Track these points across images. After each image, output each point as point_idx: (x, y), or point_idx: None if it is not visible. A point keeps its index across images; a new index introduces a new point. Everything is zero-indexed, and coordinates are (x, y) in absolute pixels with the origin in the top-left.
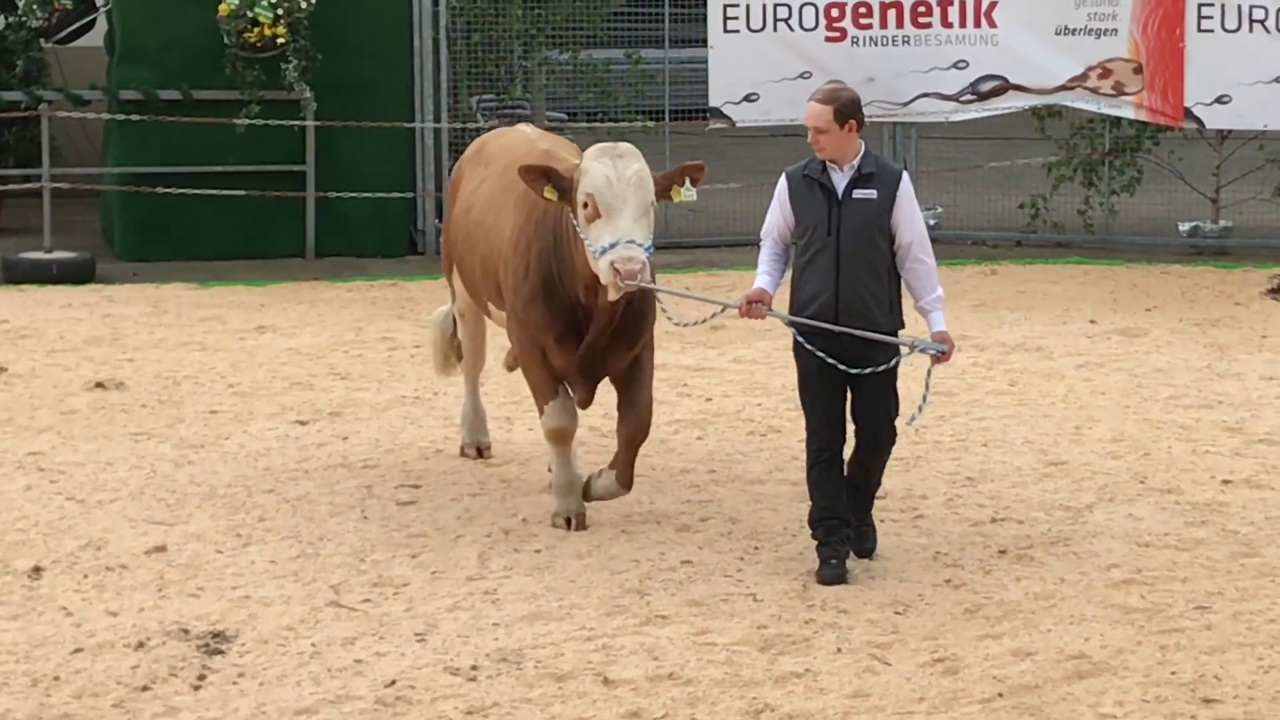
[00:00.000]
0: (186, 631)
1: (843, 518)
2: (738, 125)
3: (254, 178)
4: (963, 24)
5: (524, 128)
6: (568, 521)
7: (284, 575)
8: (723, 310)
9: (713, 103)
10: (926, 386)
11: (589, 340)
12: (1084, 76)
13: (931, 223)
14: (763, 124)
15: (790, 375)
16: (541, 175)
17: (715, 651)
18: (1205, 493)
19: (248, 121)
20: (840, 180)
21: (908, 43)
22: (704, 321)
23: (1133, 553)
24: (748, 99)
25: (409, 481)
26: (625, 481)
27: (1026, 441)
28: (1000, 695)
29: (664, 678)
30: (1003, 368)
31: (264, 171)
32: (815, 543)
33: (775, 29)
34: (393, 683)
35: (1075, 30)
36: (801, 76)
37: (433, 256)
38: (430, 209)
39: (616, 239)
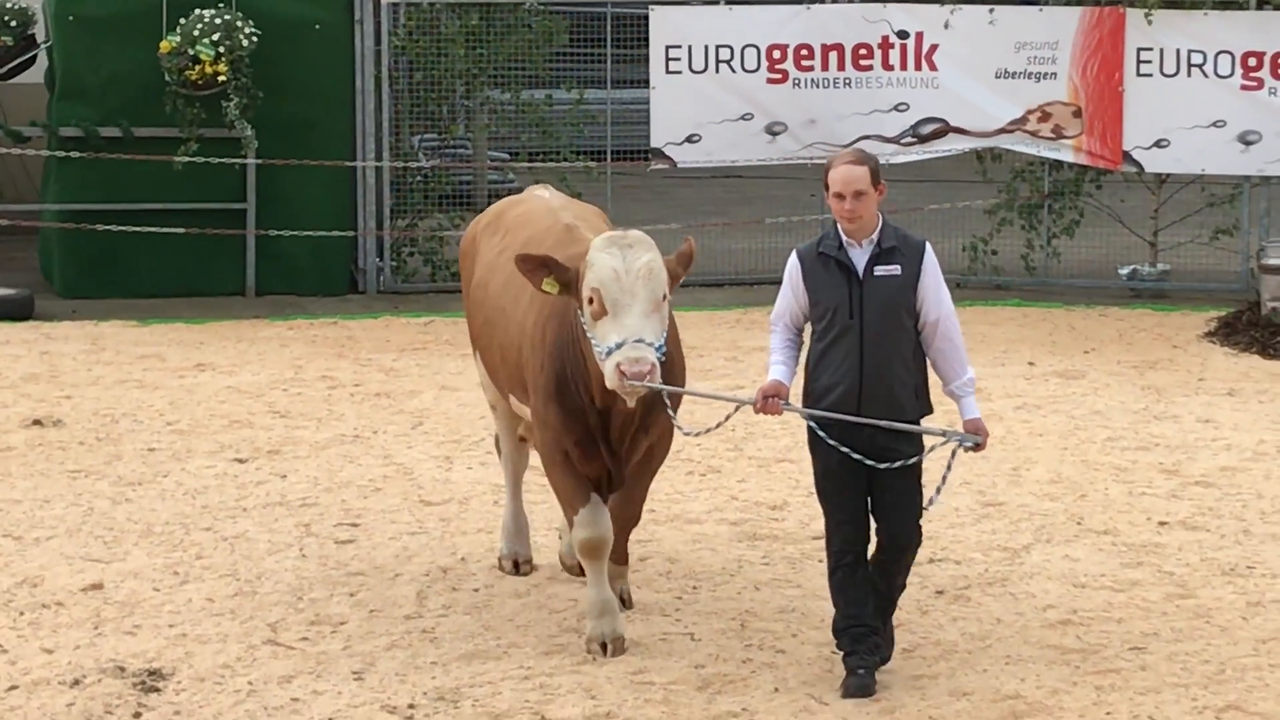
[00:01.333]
0: (123, 669)
1: (869, 625)
2: (679, 166)
3: (194, 215)
4: (903, 67)
5: (543, 192)
6: (603, 647)
7: (221, 613)
8: (737, 410)
9: (654, 143)
10: (948, 468)
11: (613, 447)
12: (1024, 120)
13: None
14: (704, 165)
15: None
16: (540, 266)
17: (653, 690)
18: (1141, 534)
19: (188, 159)
20: (860, 257)
21: (849, 85)
22: (718, 427)
23: (1069, 594)
24: (689, 140)
25: (347, 520)
26: (622, 559)
27: (964, 483)
28: None
29: (602, 717)
30: (941, 409)
31: (204, 209)
32: (840, 652)
33: (717, 70)
34: None
35: (1015, 74)
36: (743, 118)
37: (374, 295)
38: (371, 247)
39: (624, 338)
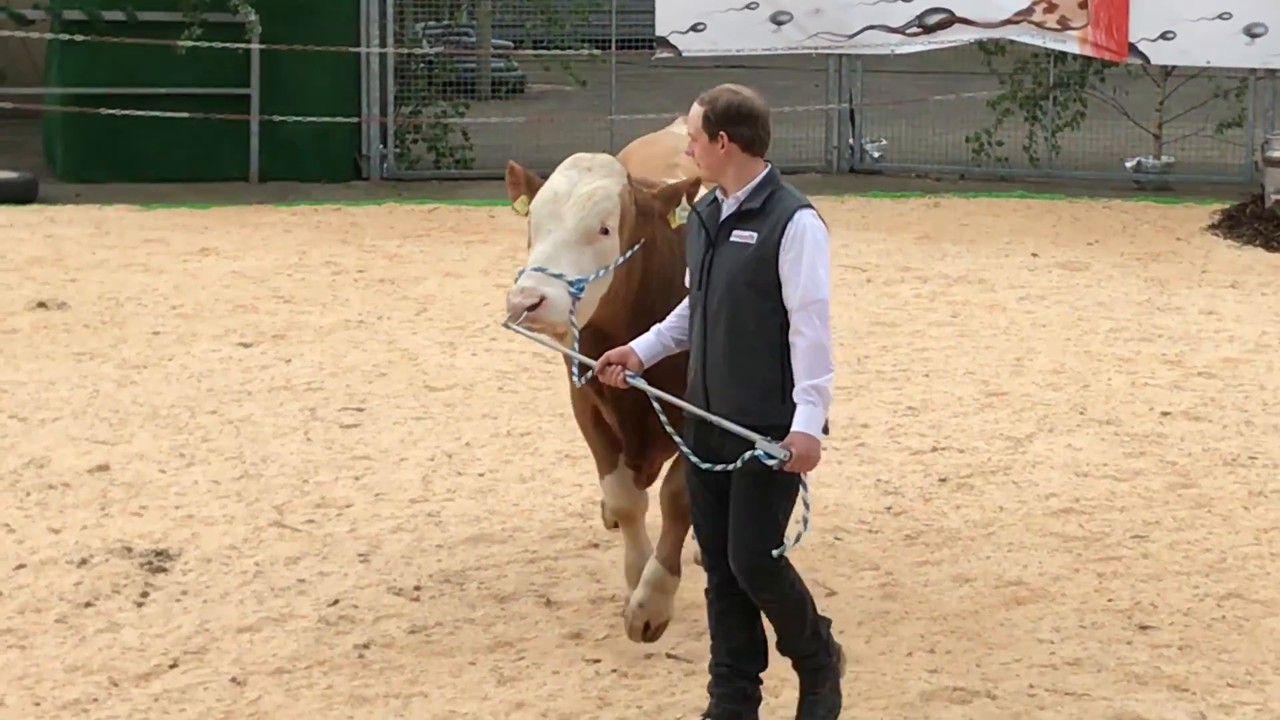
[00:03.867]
0: (129, 549)
1: (735, 667)
2: (684, 55)
3: (198, 100)
4: None
5: (681, 128)
6: (642, 628)
7: (227, 495)
8: (588, 374)
9: (659, 32)
10: (805, 504)
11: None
12: (1030, 10)
13: (876, 155)
14: (709, 54)
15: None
16: (517, 183)
17: None
18: (1144, 424)
19: (191, 44)
20: (721, 215)
21: None
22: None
23: (1071, 482)
24: (694, 29)
25: (352, 404)
26: (673, 566)
27: (968, 372)
28: (939, 620)
29: (606, 600)
30: (945, 299)
31: (208, 94)
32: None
33: None
34: (335, 602)
35: None
36: (749, 7)
37: (377, 181)
38: (375, 134)
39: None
